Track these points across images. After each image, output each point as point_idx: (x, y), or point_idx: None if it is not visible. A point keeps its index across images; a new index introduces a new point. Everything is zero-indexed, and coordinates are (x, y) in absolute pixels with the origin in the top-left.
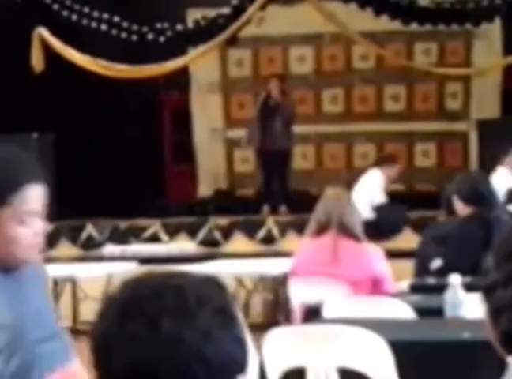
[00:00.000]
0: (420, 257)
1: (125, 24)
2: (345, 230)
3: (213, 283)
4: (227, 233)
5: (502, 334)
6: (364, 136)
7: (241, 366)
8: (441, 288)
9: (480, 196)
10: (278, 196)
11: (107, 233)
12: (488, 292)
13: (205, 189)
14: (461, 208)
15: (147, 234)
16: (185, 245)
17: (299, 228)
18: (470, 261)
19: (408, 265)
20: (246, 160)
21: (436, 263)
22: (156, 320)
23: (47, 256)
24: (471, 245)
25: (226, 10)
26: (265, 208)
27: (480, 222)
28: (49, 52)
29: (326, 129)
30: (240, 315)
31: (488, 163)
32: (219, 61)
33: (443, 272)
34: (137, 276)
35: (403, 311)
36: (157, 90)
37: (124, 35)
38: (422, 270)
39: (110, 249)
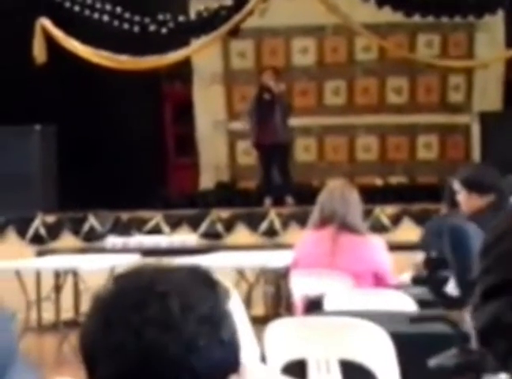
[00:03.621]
0: (422, 250)
1: (127, 15)
2: (347, 227)
3: (201, 283)
4: (229, 225)
5: (477, 331)
6: (366, 128)
7: (231, 367)
8: (443, 281)
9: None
10: (283, 188)
11: (109, 225)
12: (473, 288)
13: (206, 181)
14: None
15: (149, 226)
16: (187, 237)
17: (302, 220)
18: None
19: (410, 257)
20: (249, 152)
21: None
22: (140, 331)
23: (49, 248)
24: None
25: (228, 1)
26: (267, 201)
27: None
28: (51, 43)
29: (328, 121)
30: (240, 308)
31: (490, 155)
32: (221, 52)
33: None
34: (122, 277)
35: (405, 303)
36: (159, 81)
37: (126, 26)
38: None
39: (112, 240)
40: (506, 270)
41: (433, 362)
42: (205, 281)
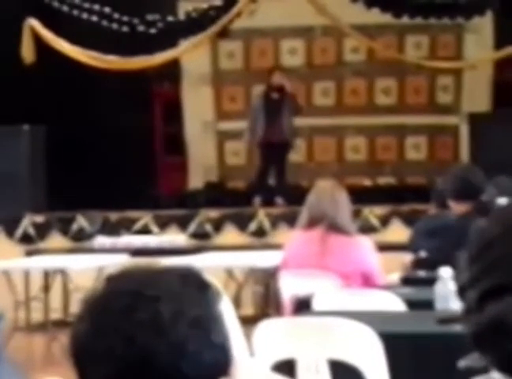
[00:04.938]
0: (411, 250)
1: (116, 16)
2: (336, 228)
3: (192, 286)
4: (217, 225)
5: (470, 336)
6: (355, 129)
7: (222, 370)
8: (431, 281)
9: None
10: (276, 188)
11: (98, 225)
12: (461, 292)
13: (195, 182)
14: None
15: (138, 226)
16: (176, 237)
17: (290, 221)
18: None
19: (399, 258)
20: (237, 153)
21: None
22: (131, 336)
23: (37, 248)
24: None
25: (217, 2)
26: (257, 201)
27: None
28: (40, 43)
29: (317, 121)
30: (229, 309)
31: (479, 156)
32: (210, 53)
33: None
34: (113, 279)
35: (393, 303)
36: (148, 82)
37: (115, 26)
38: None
39: (101, 241)
40: (502, 274)
41: (462, 363)
42: (195, 284)
